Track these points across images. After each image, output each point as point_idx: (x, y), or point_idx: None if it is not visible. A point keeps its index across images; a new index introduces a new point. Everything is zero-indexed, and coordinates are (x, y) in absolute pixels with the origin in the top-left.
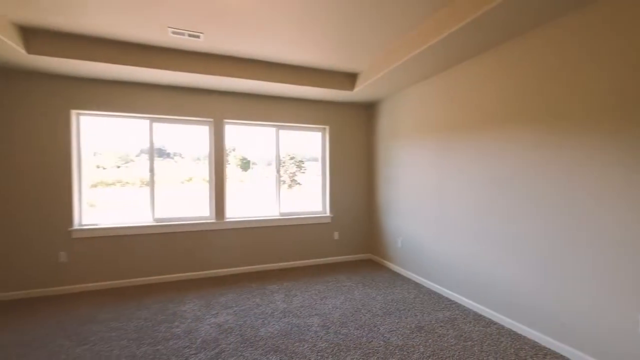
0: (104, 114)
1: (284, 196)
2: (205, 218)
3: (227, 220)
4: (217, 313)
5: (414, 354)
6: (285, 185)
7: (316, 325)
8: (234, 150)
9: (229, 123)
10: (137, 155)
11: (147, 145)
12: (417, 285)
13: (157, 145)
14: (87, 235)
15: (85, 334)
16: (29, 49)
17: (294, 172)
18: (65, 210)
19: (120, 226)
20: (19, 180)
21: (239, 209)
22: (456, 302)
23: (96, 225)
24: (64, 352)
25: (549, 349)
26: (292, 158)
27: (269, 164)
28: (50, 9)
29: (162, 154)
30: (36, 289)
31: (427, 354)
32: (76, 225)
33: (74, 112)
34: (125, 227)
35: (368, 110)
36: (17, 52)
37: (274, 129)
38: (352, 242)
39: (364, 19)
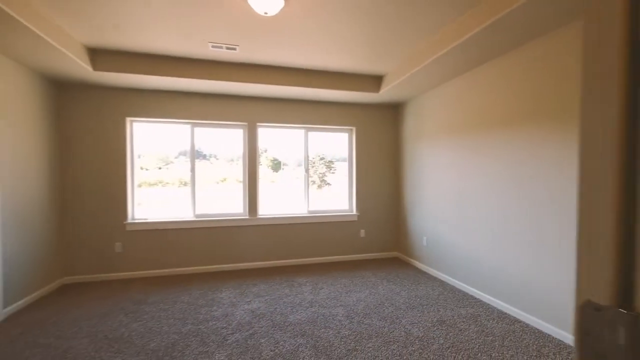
0: (153, 120)
1: (313, 195)
2: (240, 215)
3: (260, 217)
4: (250, 300)
5: (433, 344)
6: (315, 186)
7: (341, 315)
8: (265, 151)
9: (261, 126)
10: (175, 157)
11: (184, 148)
12: (442, 283)
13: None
14: (139, 228)
15: (139, 312)
16: (95, 67)
17: (324, 173)
18: (121, 206)
19: (166, 221)
20: (85, 180)
21: (270, 207)
22: (481, 300)
23: (146, 219)
24: (123, 326)
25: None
26: (321, 159)
27: (299, 165)
28: (113, 32)
29: (199, 155)
30: (98, 274)
31: (447, 346)
32: (129, 219)
33: (128, 120)
34: (170, 222)
35: (394, 111)
36: (85, 70)
37: (302, 131)
38: (378, 240)
39: (390, 25)
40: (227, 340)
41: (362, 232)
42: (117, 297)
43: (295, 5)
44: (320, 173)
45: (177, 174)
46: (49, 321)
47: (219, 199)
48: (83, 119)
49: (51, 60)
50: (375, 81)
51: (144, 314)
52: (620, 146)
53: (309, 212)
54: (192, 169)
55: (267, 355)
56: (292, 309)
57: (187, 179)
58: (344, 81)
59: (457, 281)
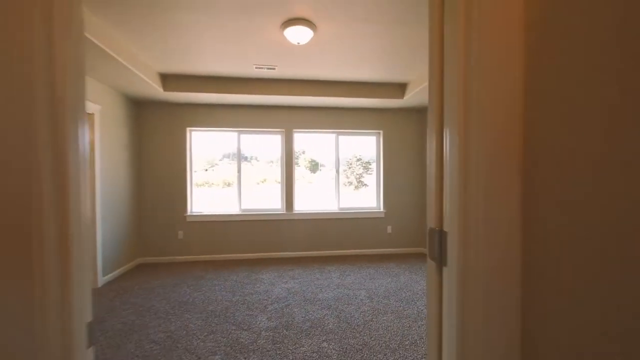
0: (207, 129)
1: (351, 196)
2: (278, 210)
3: (295, 212)
4: (286, 281)
5: None
6: (352, 187)
7: (363, 295)
8: (303, 152)
9: (297, 132)
10: (220, 160)
11: (228, 151)
12: None
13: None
14: (196, 219)
15: (199, 286)
16: (165, 88)
17: (360, 174)
18: (182, 200)
19: (218, 213)
20: (156, 180)
21: (307, 206)
22: None
23: (201, 212)
24: (187, 294)
25: None
26: (358, 160)
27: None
28: (180, 61)
29: (241, 158)
30: (165, 256)
31: None
32: (189, 212)
33: (188, 129)
34: (221, 215)
35: (420, 114)
36: (157, 91)
37: (334, 135)
38: (404, 235)
39: (408, 41)
40: (267, 308)
41: (389, 228)
42: (181, 274)
43: (323, 34)
44: (357, 174)
45: (221, 175)
46: (134, 288)
47: (259, 198)
48: (154, 130)
49: (135, 85)
50: (399, 88)
51: (203, 287)
52: (440, 153)
53: (340, 209)
54: (239, 170)
55: (299, 320)
56: (321, 289)
57: (231, 179)
58: (370, 90)
59: None
